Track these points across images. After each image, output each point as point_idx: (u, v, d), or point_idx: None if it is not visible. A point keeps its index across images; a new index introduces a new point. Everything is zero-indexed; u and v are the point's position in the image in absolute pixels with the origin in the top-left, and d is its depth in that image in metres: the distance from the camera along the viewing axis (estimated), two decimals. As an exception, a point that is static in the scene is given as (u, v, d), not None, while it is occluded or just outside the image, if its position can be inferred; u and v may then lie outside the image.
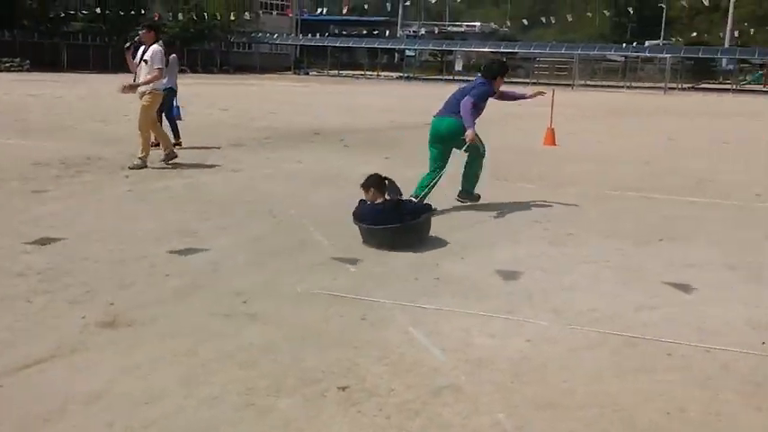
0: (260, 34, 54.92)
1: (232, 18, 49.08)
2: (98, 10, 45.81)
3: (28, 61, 41.56)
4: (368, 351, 3.80)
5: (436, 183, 7.12)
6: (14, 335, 3.88)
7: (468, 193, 7.56)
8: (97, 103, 19.71)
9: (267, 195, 7.85)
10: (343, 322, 4.21)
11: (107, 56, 44.50)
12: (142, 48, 9.22)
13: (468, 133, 6.93)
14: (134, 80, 9.23)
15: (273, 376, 3.47)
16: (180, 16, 46.24)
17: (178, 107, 15.95)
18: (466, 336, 4.04)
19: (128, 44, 9.64)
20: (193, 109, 18.56)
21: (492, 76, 7.34)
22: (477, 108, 7.20)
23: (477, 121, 7.08)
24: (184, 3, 47.64)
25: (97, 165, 9.48)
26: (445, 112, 7.29)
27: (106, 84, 24.87)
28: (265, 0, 60.20)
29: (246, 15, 50.07)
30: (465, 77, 52.78)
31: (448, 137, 7.23)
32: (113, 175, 8.79)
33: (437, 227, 6.31)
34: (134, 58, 9.26)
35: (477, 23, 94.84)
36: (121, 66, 11.16)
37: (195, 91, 26.98)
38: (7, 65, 40.26)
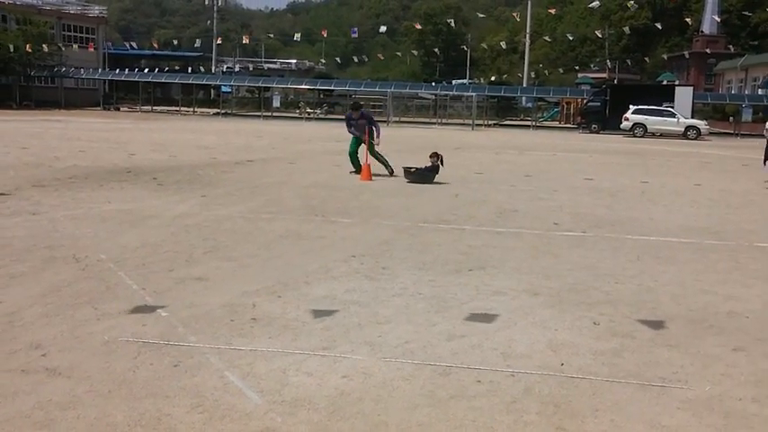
0: (64, 68, 51.96)
1: (29, 50, 45.98)
2: None
3: None
4: (180, 399, 3.65)
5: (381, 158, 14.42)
6: None
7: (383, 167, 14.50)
8: None
9: (71, 239, 7.37)
10: (154, 370, 4.02)
11: None
12: None
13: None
14: None
15: (75, 435, 3.23)
16: None
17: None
18: (282, 376, 3.99)
19: None
20: (-12, 147, 17.21)
21: (351, 109, 15.15)
22: (350, 126, 14.60)
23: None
24: (-26, 34, 44.13)
25: None
26: None
27: None
28: (67, 33, 57.10)
29: (45, 48, 47.04)
30: (284, 114, 53.05)
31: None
32: None
33: (254, 266, 6.28)
34: None
35: (293, 61, 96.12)
36: None
37: (-10, 128, 25.02)
38: None
